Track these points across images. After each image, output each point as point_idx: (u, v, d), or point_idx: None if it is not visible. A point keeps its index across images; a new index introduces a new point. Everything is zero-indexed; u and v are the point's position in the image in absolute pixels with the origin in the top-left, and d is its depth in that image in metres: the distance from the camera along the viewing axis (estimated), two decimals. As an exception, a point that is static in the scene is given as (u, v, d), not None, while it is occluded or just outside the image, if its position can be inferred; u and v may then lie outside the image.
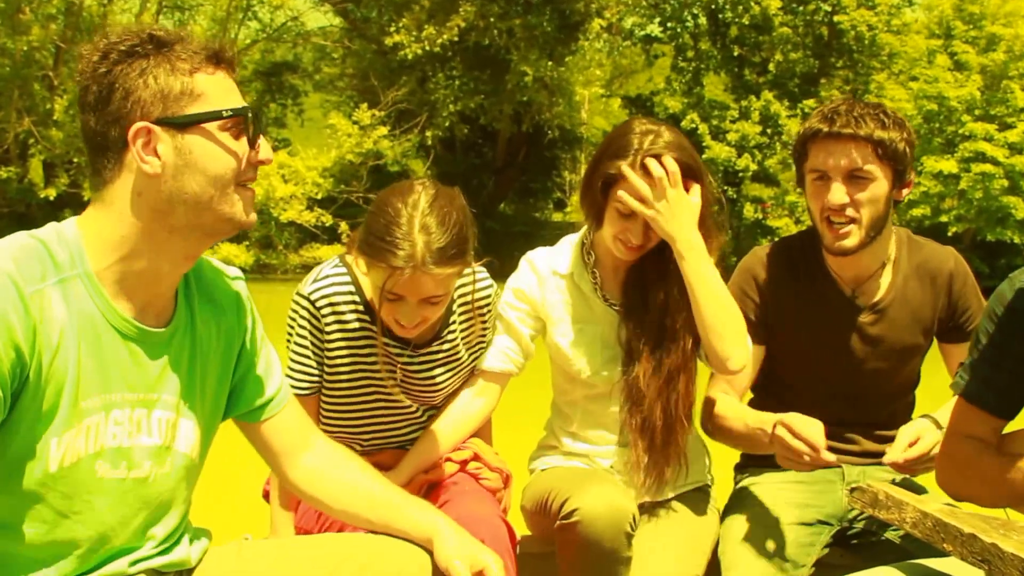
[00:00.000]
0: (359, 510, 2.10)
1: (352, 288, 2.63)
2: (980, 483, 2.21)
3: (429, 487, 2.72)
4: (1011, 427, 2.34)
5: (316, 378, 2.68)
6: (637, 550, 2.57)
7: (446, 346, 2.77)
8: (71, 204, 25.18)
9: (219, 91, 1.75)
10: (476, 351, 2.84)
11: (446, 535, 2.02)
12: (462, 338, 2.80)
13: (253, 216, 1.83)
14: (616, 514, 2.50)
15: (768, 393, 2.93)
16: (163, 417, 1.83)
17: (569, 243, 2.89)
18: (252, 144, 1.80)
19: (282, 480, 2.17)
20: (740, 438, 2.70)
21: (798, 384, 2.86)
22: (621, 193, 2.58)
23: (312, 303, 2.61)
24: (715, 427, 2.80)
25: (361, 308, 2.64)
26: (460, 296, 2.76)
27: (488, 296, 2.80)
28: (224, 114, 1.74)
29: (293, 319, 2.65)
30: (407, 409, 2.79)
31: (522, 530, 2.85)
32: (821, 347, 2.79)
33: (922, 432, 2.60)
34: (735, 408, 2.75)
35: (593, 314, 2.81)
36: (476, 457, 2.82)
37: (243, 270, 2.11)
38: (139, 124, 1.69)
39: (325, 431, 2.59)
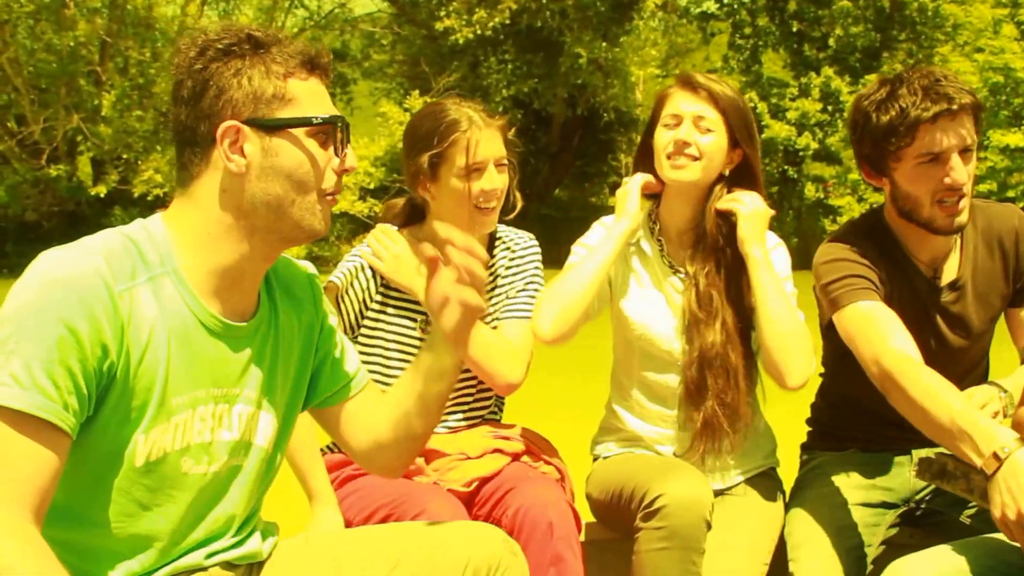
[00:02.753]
0: (400, 407, 2.06)
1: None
2: None
3: (483, 482, 2.73)
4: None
5: None
6: (708, 538, 2.61)
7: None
8: (120, 201, 25.36)
9: (311, 97, 1.78)
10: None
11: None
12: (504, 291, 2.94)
13: (327, 223, 1.85)
14: (698, 504, 2.56)
15: (846, 372, 2.74)
16: (243, 411, 1.87)
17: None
18: (338, 152, 1.83)
19: (360, 459, 2.17)
20: (928, 423, 2.29)
21: None
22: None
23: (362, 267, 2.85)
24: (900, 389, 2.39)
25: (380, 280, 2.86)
26: (503, 257, 2.95)
27: (534, 249, 3.01)
28: (314, 121, 1.78)
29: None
30: None
31: (586, 517, 2.90)
32: (913, 330, 2.63)
33: (969, 396, 2.61)
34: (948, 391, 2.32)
35: (658, 280, 2.86)
36: (529, 450, 2.86)
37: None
38: (229, 123, 1.73)
39: None
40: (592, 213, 2.81)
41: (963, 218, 2.60)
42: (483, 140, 2.75)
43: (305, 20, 32.75)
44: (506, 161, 2.82)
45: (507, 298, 2.93)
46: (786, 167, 31.10)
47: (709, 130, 2.74)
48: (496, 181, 2.77)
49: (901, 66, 30.55)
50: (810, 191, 30.17)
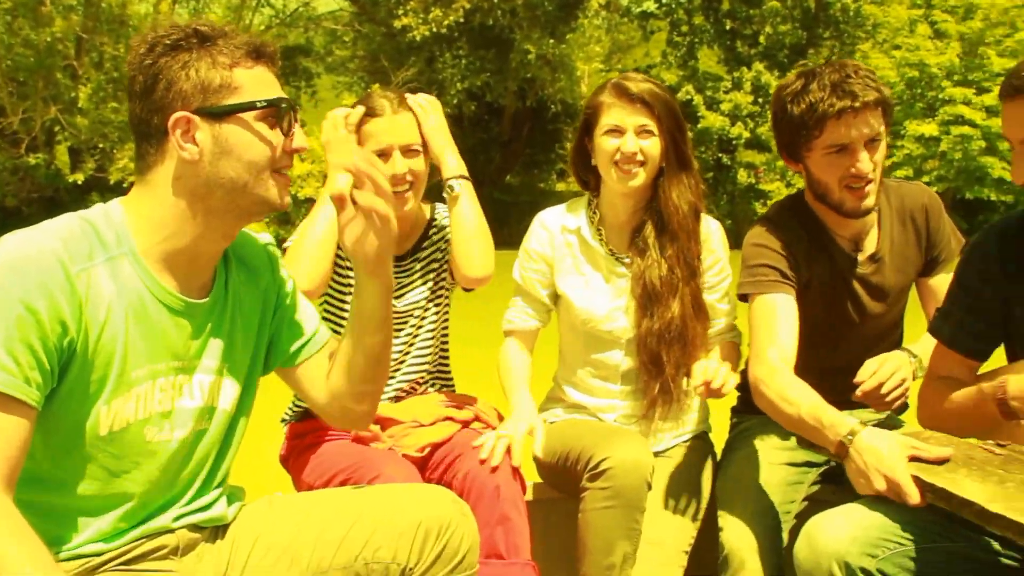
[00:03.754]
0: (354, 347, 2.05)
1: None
2: (954, 418, 2.26)
3: (435, 448, 2.74)
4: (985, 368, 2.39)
5: None
6: (648, 498, 2.63)
7: (419, 265, 2.91)
8: (97, 188, 25.11)
9: (257, 84, 1.78)
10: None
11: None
12: (438, 266, 2.95)
13: (287, 199, 1.85)
14: (640, 467, 2.57)
15: None
16: (204, 380, 1.87)
17: (577, 201, 2.97)
18: (287, 133, 1.82)
19: (324, 415, 2.16)
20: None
21: (811, 336, 2.72)
22: None
23: None
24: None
25: None
26: (438, 225, 2.97)
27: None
28: (258, 105, 1.77)
29: None
30: (400, 324, 2.89)
31: (533, 478, 2.90)
32: (832, 301, 2.76)
33: (884, 361, 2.63)
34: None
35: (599, 267, 2.87)
36: (477, 418, 2.86)
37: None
38: (179, 113, 1.73)
39: None
40: (540, 197, 2.81)
41: (870, 202, 2.62)
42: (387, 128, 2.74)
43: (271, 18, 32.56)
44: (418, 148, 2.78)
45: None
46: (720, 155, 31.29)
47: (649, 133, 2.75)
48: (400, 166, 2.73)
49: (824, 62, 30.89)
50: (742, 177, 30.39)
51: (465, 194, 2.83)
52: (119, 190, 23.48)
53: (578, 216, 2.91)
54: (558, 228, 2.90)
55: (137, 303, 1.75)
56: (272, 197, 1.82)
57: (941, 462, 2.05)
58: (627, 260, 2.85)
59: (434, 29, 28.26)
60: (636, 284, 2.81)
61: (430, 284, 2.94)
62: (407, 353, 2.94)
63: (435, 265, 2.96)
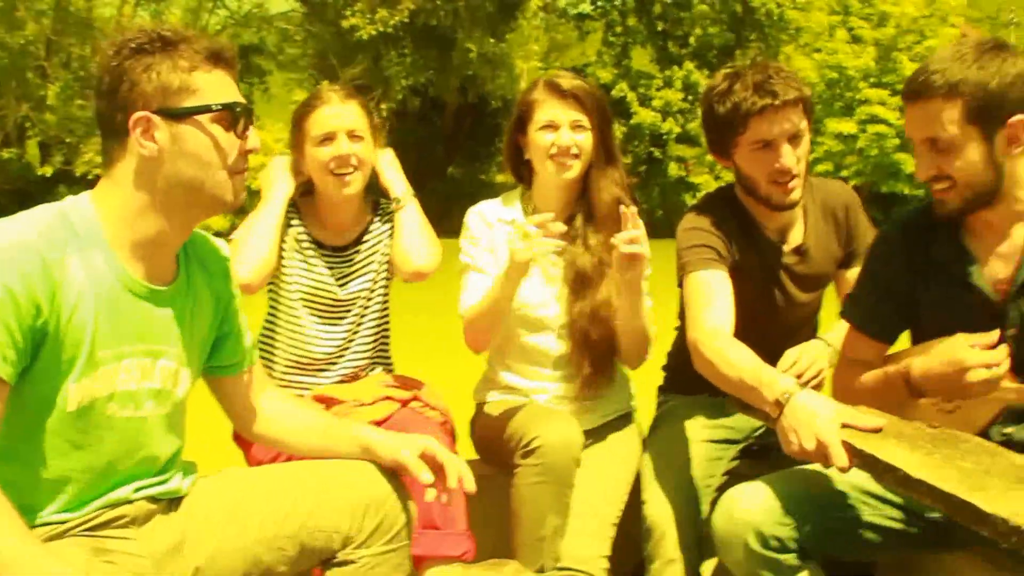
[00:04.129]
0: (308, 441, 2.20)
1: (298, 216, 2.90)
2: (865, 398, 2.30)
3: (376, 425, 2.67)
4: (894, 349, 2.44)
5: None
6: (577, 474, 2.65)
7: (360, 256, 2.93)
8: (65, 180, 25.30)
9: (214, 87, 1.81)
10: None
11: (380, 438, 2.13)
12: (380, 258, 2.97)
13: (242, 196, 1.88)
14: (570, 445, 2.60)
15: None
16: (166, 365, 1.91)
17: (511, 194, 2.98)
18: (241, 135, 1.85)
19: (240, 427, 2.25)
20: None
21: (739, 322, 2.67)
22: None
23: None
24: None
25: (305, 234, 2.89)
26: (380, 219, 2.99)
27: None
28: (214, 108, 1.80)
29: None
30: (343, 299, 2.91)
31: (469, 455, 2.92)
32: (759, 289, 2.78)
33: (803, 351, 2.69)
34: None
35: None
36: (416, 398, 2.86)
37: (218, 233, 2.17)
38: (140, 113, 1.76)
39: (275, 356, 2.88)
40: (480, 188, 2.84)
41: (795, 196, 2.64)
42: (333, 113, 2.78)
43: (227, 19, 32.40)
44: (362, 133, 2.81)
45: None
46: (652, 149, 31.54)
47: (582, 127, 2.76)
48: (345, 148, 2.77)
49: (751, 63, 31.22)
50: (673, 170, 30.68)
51: (412, 204, 2.93)
52: (85, 182, 23.91)
53: (512, 208, 2.91)
54: (495, 219, 2.90)
55: (105, 289, 1.78)
56: (227, 195, 1.85)
57: (874, 431, 2.04)
58: (559, 248, 2.85)
59: (380, 29, 28.19)
60: (568, 270, 2.82)
61: (372, 275, 2.95)
62: (351, 340, 2.94)
63: (377, 257, 2.96)
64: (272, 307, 2.96)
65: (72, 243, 1.74)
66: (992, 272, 2.22)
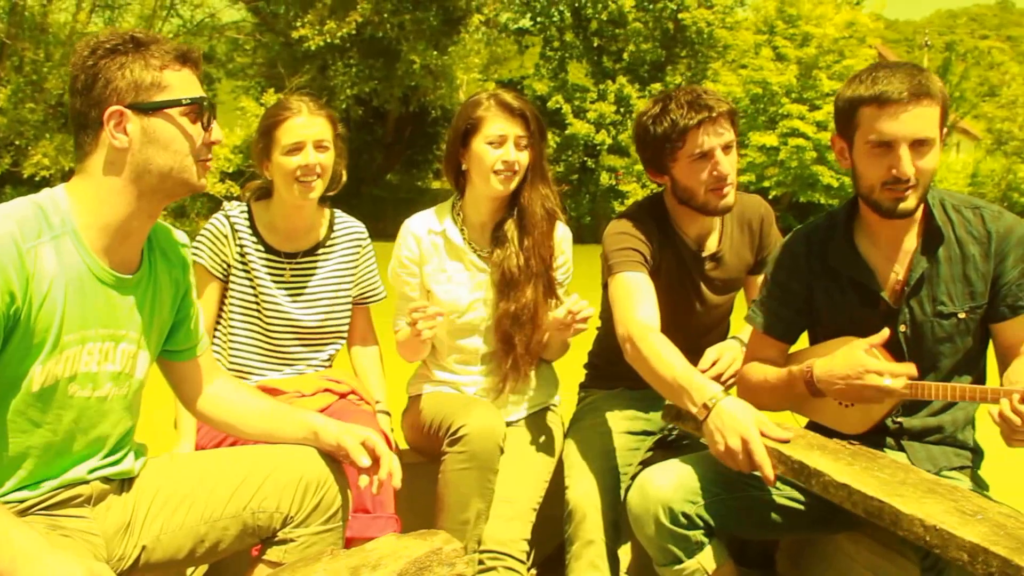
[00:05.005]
0: (255, 425, 2.25)
1: (249, 220, 2.89)
2: (769, 395, 2.39)
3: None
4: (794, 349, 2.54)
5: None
6: (501, 460, 2.71)
7: (320, 260, 2.94)
8: (11, 182, 24.71)
9: (182, 84, 1.89)
10: (364, 280, 3.05)
11: (325, 424, 2.18)
12: (346, 266, 2.99)
13: (204, 181, 1.95)
14: (493, 433, 2.66)
15: None
16: (127, 349, 1.95)
17: (443, 205, 3.01)
18: (206, 127, 1.92)
19: (190, 408, 2.28)
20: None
21: (662, 321, 2.72)
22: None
23: (228, 218, 2.88)
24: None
25: (255, 238, 2.88)
26: (340, 228, 3.01)
27: (363, 231, 3.07)
28: (183, 102, 1.87)
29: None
30: (302, 325, 2.91)
31: (401, 444, 2.96)
32: (678, 291, 2.85)
33: (722, 350, 2.79)
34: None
35: (463, 263, 2.93)
36: (353, 391, 2.90)
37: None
38: (113, 107, 1.82)
39: (237, 359, 2.86)
40: (418, 195, 2.86)
41: (730, 200, 2.74)
42: (303, 124, 2.81)
43: (179, 27, 31.77)
44: (328, 144, 2.84)
45: (357, 278, 3.04)
46: (585, 159, 31.63)
47: (526, 147, 2.83)
48: (312, 158, 2.79)
49: (681, 78, 31.47)
50: (604, 179, 30.80)
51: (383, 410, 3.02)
52: (31, 183, 23.17)
53: (443, 219, 2.96)
54: (424, 232, 2.95)
55: (75, 276, 1.82)
56: (193, 179, 1.92)
57: (783, 442, 2.14)
58: (486, 255, 2.92)
59: (328, 40, 28.00)
60: (496, 271, 2.88)
61: (333, 288, 2.98)
62: (305, 356, 2.97)
63: (339, 273, 2.99)
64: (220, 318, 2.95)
65: (46, 233, 1.78)
66: (886, 274, 2.35)
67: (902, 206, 2.21)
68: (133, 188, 1.86)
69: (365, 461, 2.09)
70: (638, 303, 2.61)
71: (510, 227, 2.90)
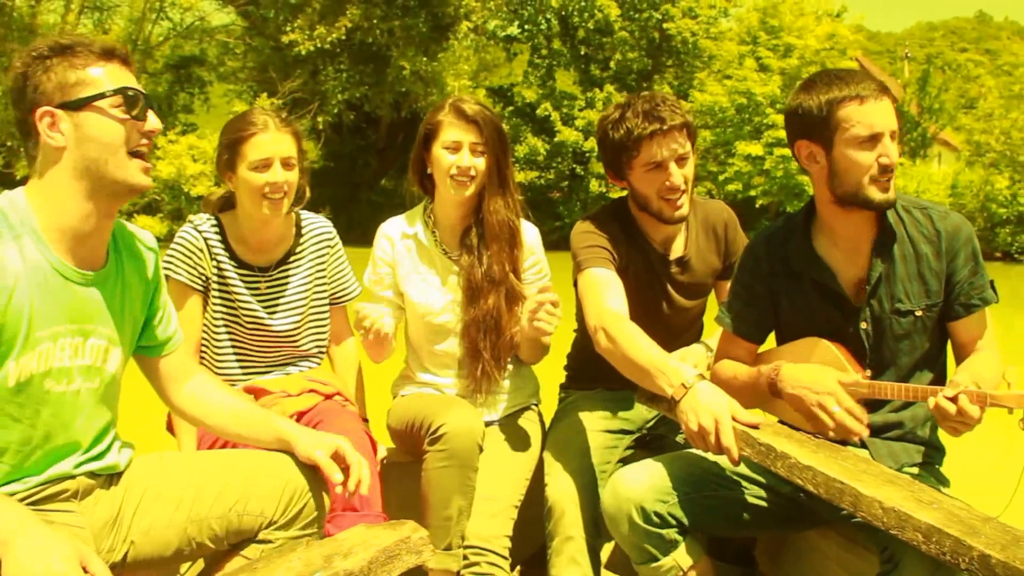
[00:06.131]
0: (227, 425, 2.27)
1: (220, 234, 2.87)
2: (738, 392, 2.43)
3: (301, 415, 2.76)
4: (763, 349, 2.59)
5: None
6: (481, 460, 2.74)
7: (292, 268, 2.93)
8: (4, 183, 24.44)
9: (108, 78, 1.88)
10: (336, 279, 3.04)
11: (300, 435, 2.20)
12: (317, 269, 2.98)
13: (146, 180, 1.94)
14: (472, 431, 2.68)
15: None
16: (96, 344, 1.96)
17: (416, 209, 3.05)
18: (140, 117, 1.91)
19: (168, 404, 2.30)
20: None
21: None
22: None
23: (200, 232, 2.84)
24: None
25: (228, 253, 2.87)
26: (307, 231, 2.99)
27: (329, 230, 3.04)
28: (107, 93, 1.87)
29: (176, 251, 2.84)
30: (279, 332, 2.91)
31: (386, 443, 2.99)
32: (646, 293, 2.88)
33: (687, 355, 2.83)
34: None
35: (435, 265, 2.96)
36: (339, 393, 2.91)
37: (157, 239, 2.22)
38: (43, 108, 1.84)
39: (223, 368, 2.85)
40: (417, 200, 2.87)
41: (683, 211, 2.78)
42: (271, 140, 2.77)
43: (169, 30, 31.73)
44: (294, 161, 2.82)
45: (329, 277, 3.03)
46: (575, 166, 31.74)
47: (481, 152, 2.85)
48: (279, 175, 2.78)
49: (668, 87, 31.57)
50: (594, 186, 30.89)
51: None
52: (24, 185, 22.98)
53: (415, 222, 3.00)
54: (398, 235, 2.98)
55: (40, 274, 1.84)
56: (130, 177, 1.90)
57: (753, 427, 2.17)
58: (456, 257, 2.95)
59: (318, 45, 28.02)
60: (462, 279, 2.92)
61: (308, 293, 2.97)
62: (287, 364, 2.98)
63: (311, 277, 2.99)
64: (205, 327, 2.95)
65: (7, 233, 1.80)
66: (846, 273, 2.40)
67: (890, 195, 2.30)
68: (80, 188, 1.86)
69: (338, 477, 2.12)
70: (607, 295, 2.63)
71: (473, 235, 2.93)
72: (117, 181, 1.89)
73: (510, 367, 3.04)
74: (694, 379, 2.23)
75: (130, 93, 1.89)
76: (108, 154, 1.87)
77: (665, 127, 2.70)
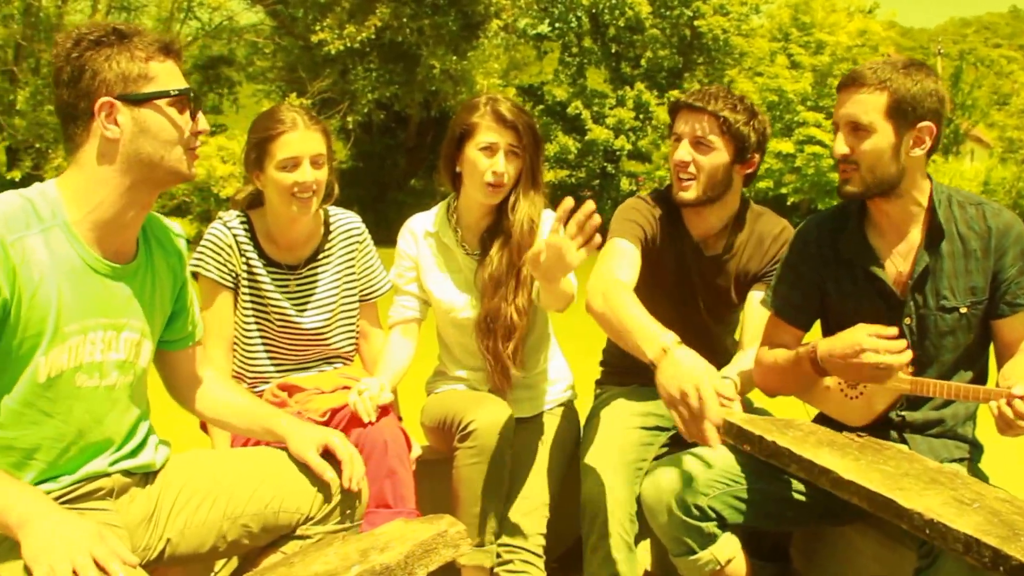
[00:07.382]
0: (227, 418, 2.30)
1: (250, 232, 2.86)
2: (780, 377, 2.41)
3: (335, 412, 2.71)
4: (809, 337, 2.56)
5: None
6: (515, 455, 2.73)
7: (321, 266, 2.92)
8: (32, 184, 24.70)
9: (168, 76, 1.89)
10: (365, 276, 3.02)
11: (293, 432, 2.20)
12: (346, 266, 2.96)
13: (195, 170, 1.97)
14: (501, 427, 2.67)
15: None
16: (130, 337, 1.96)
17: (440, 205, 3.04)
18: (193, 117, 1.93)
19: (177, 398, 2.30)
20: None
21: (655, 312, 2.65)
22: None
23: (229, 229, 2.84)
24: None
25: (258, 251, 2.86)
26: (336, 228, 2.97)
27: (358, 226, 3.01)
28: (171, 93, 1.88)
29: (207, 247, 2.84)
30: (309, 330, 2.90)
31: (420, 441, 2.98)
32: (676, 283, 2.87)
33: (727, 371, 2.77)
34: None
35: (456, 263, 2.95)
36: None
37: (187, 240, 2.23)
38: (104, 99, 1.82)
39: (255, 368, 2.86)
40: (441, 200, 2.86)
41: (687, 195, 2.78)
42: (299, 139, 2.74)
43: (197, 30, 31.90)
44: (323, 159, 2.79)
45: (359, 274, 3.00)
46: (605, 164, 31.73)
47: (516, 155, 2.83)
48: (309, 175, 2.75)
49: (699, 84, 31.49)
50: (625, 184, 30.87)
51: None
52: None
53: (439, 219, 2.99)
54: (422, 232, 2.98)
55: (68, 267, 1.82)
56: (183, 168, 1.93)
57: (728, 400, 2.10)
58: (477, 256, 2.94)
59: (348, 44, 28.08)
60: (480, 277, 2.91)
61: (339, 291, 2.96)
62: (320, 361, 2.97)
63: (341, 274, 2.97)
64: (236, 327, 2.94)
65: (35, 225, 1.79)
66: (893, 266, 2.39)
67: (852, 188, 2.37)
68: (125, 178, 1.86)
69: (329, 475, 2.12)
70: (619, 265, 2.63)
71: (496, 233, 2.92)
72: (170, 171, 1.90)
73: (541, 363, 3.03)
74: (674, 346, 2.13)
75: (190, 96, 1.91)
76: (165, 150, 1.88)
77: (690, 101, 2.77)
